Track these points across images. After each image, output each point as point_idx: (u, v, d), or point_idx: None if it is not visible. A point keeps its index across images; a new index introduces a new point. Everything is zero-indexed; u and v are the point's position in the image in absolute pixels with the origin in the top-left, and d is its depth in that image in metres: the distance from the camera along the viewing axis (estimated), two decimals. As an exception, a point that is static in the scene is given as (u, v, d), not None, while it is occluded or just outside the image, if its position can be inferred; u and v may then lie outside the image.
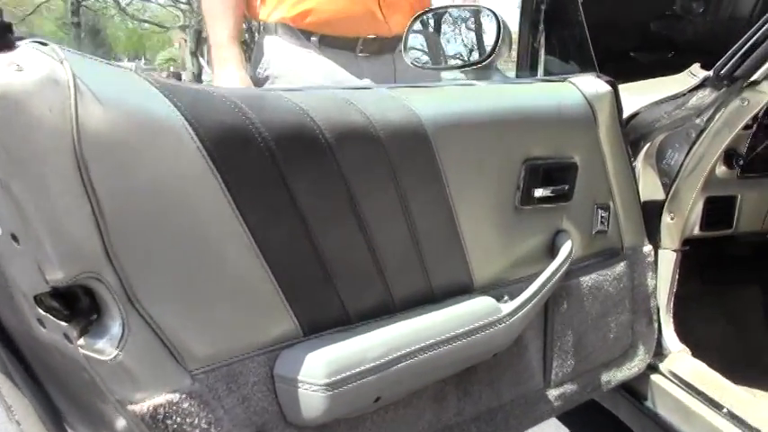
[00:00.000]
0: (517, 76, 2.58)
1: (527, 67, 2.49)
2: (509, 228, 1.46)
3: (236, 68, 2.15)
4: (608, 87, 1.58)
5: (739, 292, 2.37)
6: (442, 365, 1.31)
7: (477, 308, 1.36)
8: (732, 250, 2.22)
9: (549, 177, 1.49)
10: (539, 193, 1.47)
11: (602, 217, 1.66)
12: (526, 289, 1.45)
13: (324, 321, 1.20)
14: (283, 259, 1.12)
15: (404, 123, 1.24)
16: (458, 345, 1.30)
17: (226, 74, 2.15)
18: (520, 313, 1.41)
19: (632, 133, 1.85)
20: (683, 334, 1.97)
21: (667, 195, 1.87)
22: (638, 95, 1.89)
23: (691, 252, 1.94)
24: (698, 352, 2.00)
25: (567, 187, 1.53)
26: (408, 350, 1.22)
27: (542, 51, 2.44)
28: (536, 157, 1.46)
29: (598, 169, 1.62)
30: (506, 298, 1.44)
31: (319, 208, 1.14)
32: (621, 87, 1.94)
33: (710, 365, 2.06)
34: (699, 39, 2.38)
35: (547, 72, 2.36)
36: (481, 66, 1.48)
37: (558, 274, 1.50)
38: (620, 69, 2.42)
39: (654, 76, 1.97)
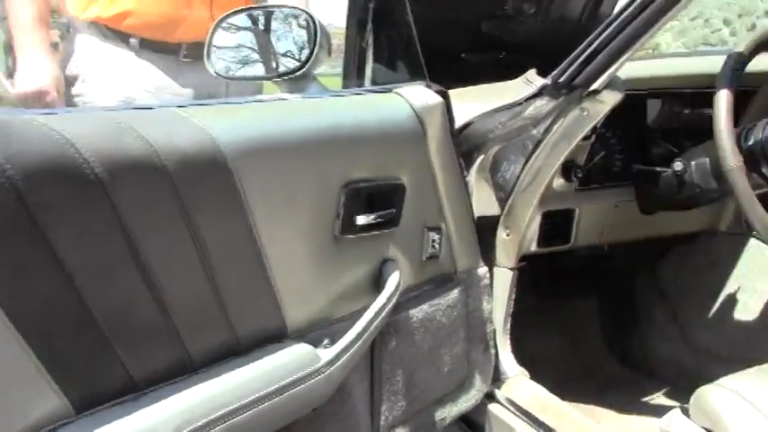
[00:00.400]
0: (344, 85, 2.44)
1: (354, 74, 2.38)
2: (328, 261, 1.35)
3: (44, 55, 1.94)
4: (438, 98, 1.51)
5: (575, 305, 2.40)
6: (250, 430, 1.19)
7: (290, 358, 1.24)
8: (568, 262, 2.24)
9: (374, 202, 1.39)
10: (362, 220, 1.37)
11: (433, 241, 1.59)
12: (350, 329, 1.36)
13: (102, 393, 1.04)
14: (43, 326, 0.95)
15: (196, 149, 1.09)
16: (269, 405, 1.18)
17: (30, 62, 1.92)
18: (342, 359, 1.31)
19: (465, 145, 1.79)
20: (520, 352, 1.95)
21: (503, 210, 1.82)
22: (472, 103, 1.83)
23: (526, 266, 1.92)
24: (536, 368, 1.99)
25: (393, 211, 1.44)
26: (208, 419, 1.09)
27: (371, 56, 2.35)
28: (358, 179, 1.35)
29: (428, 189, 1.55)
30: (326, 342, 1.34)
31: (89, 260, 0.98)
32: (453, 94, 1.88)
33: (549, 382, 2.05)
34: (529, 40, 2.38)
35: (374, 80, 2.27)
36: (296, 75, 1.36)
37: (386, 310, 1.41)
38: (451, 70, 2.38)
39: (485, 78, 1.93)
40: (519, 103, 1.71)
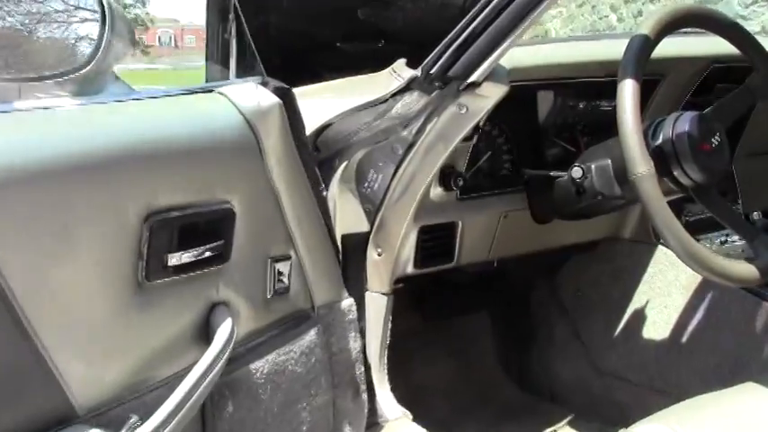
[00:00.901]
0: (207, 80, 2.22)
1: (218, 70, 2.12)
2: (131, 315, 1.05)
3: None
4: (274, 99, 1.22)
5: (465, 324, 2.17)
6: None
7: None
8: (455, 276, 2.00)
9: (192, 234, 1.10)
10: (175, 259, 1.07)
11: (279, 273, 1.30)
12: (169, 397, 1.06)
13: None
14: None
15: None
16: None
17: None
18: (153, 442, 1.02)
19: (324, 150, 1.52)
20: (404, 385, 1.71)
21: (372, 227, 1.57)
22: (333, 100, 1.57)
23: (406, 284, 1.68)
24: (423, 402, 1.75)
25: (221, 243, 1.15)
26: None
27: (234, 48, 2.08)
28: (167, 207, 1.06)
29: (269, 211, 1.26)
30: (135, 419, 1.04)
31: None
32: (311, 90, 1.61)
33: (439, 416, 1.82)
34: (410, 27, 2.14)
35: (241, 76, 2.01)
36: (78, 75, 1.05)
37: (216, 368, 1.12)
38: (327, 61, 2.10)
39: (364, 69, 1.66)
40: (385, 100, 1.45)
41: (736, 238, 1.92)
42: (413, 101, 1.44)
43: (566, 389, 2.03)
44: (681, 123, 1.35)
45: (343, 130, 1.52)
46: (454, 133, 1.43)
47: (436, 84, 1.39)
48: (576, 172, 1.48)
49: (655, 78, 1.71)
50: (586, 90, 1.74)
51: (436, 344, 2.09)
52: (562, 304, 2.05)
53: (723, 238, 1.90)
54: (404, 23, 2.31)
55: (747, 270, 1.29)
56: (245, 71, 1.92)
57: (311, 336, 1.36)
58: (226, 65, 2.18)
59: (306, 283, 1.37)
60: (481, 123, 1.49)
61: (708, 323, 1.79)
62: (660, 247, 1.87)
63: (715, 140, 1.37)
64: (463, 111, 1.40)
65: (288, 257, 1.31)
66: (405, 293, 1.70)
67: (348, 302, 1.48)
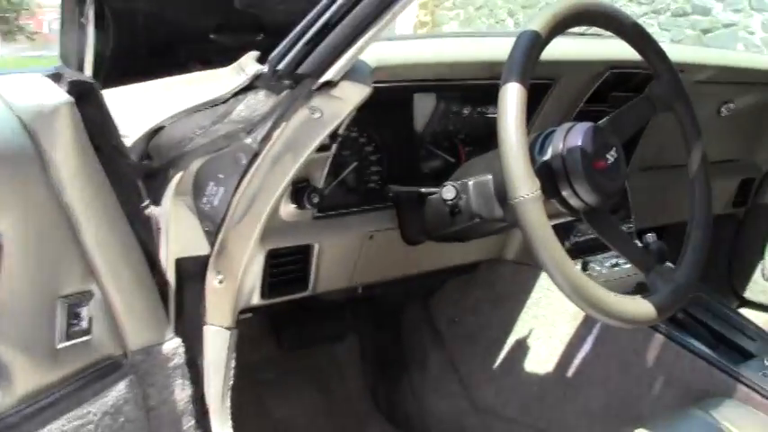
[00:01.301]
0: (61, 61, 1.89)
1: (74, 59, 1.82)
2: None
3: None
4: (65, 97, 0.96)
5: (329, 352, 1.95)
6: None
7: None
8: (314, 301, 1.78)
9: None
10: None
11: (76, 314, 1.04)
12: None
13: None
14: None
15: None
16: None
17: None
18: None
19: (156, 158, 1.27)
20: (260, 422, 1.48)
21: (212, 249, 1.33)
22: (169, 99, 1.31)
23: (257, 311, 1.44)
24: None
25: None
26: None
27: (92, 35, 1.78)
28: None
29: (59, 238, 0.99)
30: None
31: None
32: (145, 86, 1.35)
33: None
34: (291, 20, 1.89)
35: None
36: None
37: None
38: (199, 54, 1.85)
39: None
40: (225, 100, 1.21)
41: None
42: (258, 102, 1.20)
43: (439, 425, 1.83)
44: (573, 136, 1.17)
45: (177, 135, 1.28)
46: (306, 142, 1.20)
47: (285, 82, 1.16)
48: (448, 192, 1.27)
49: (545, 83, 1.52)
50: (470, 94, 1.54)
51: (296, 375, 1.86)
52: (437, 331, 1.85)
53: (614, 261, 1.74)
54: (286, 16, 2.04)
55: (643, 309, 1.14)
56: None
57: (120, 390, 1.11)
58: (81, 55, 1.88)
59: (115, 324, 1.11)
60: (341, 130, 1.26)
61: (596, 356, 1.62)
62: (546, 270, 1.69)
63: (610, 156, 1.19)
64: (317, 115, 1.17)
65: (88, 295, 1.05)
66: (261, 317, 1.49)
67: (173, 344, 1.23)
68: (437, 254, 1.59)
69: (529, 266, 1.71)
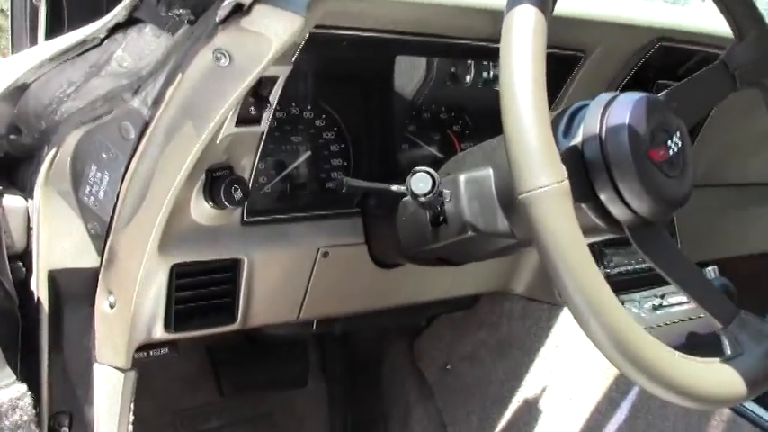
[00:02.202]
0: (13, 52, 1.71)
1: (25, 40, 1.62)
2: None
3: None
4: None
5: (285, 401, 1.52)
6: None
7: None
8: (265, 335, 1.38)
9: None
10: None
11: None
12: None
13: None
14: None
15: None
16: None
17: None
18: None
19: (26, 132, 0.91)
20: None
21: (101, 259, 0.94)
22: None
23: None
24: None
25: None
26: None
27: (44, 15, 1.55)
28: None
29: None
30: None
31: None
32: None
33: None
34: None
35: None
36: None
37: None
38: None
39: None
40: (98, 42, 0.82)
41: (674, 299, 1.34)
42: (145, 44, 0.82)
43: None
44: (617, 110, 0.77)
45: (45, 97, 0.89)
46: (213, 103, 0.81)
47: (178, 11, 0.76)
48: (420, 182, 0.86)
49: (572, 55, 1.11)
50: (472, 56, 1.13)
51: (242, 426, 1.44)
52: (424, 381, 1.43)
53: (657, 300, 1.32)
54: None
55: (727, 380, 0.72)
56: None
57: None
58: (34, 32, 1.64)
59: None
60: (274, 94, 0.86)
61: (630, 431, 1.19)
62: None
63: (673, 144, 0.78)
64: (224, 62, 0.78)
65: None
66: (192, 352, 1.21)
67: (14, 392, 0.84)
68: (421, 282, 1.18)
69: (545, 304, 1.29)
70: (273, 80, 0.85)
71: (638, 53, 1.17)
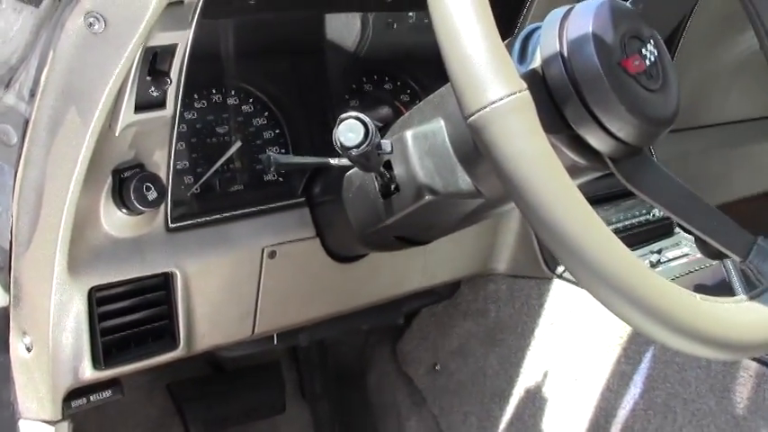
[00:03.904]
0: None
1: None
2: None
3: None
4: None
5: (269, 425, 1.36)
6: None
7: None
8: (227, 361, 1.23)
9: None
10: None
11: None
12: None
13: None
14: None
15: None
16: None
17: None
18: None
19: None
20: None
21: (9, 296, 0.80)
22: None
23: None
24: None
25: None
26: None
27: None
28: None
29: None
30: None
31: None
32: None
33: None
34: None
35: None
36: None
37: None
38: None
39: None
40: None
41: (672, 253, 1.21)
42: (6, 24, 0.67)
43: None
44: (577, 20, 0.64)
45: None
46: (95, 82, 0.66)
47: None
48: (351, 135, 0.71)
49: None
50: (410, 4, 1.00)
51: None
52: (414, 387, 1.28)
53: (654, 257, 1.18)
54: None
55: (758, 323, 0.58)
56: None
57: None
58: None
59: None
60: (174, 65, 0.72)
61: (654, 408, 1.05)
62: (561, 281, 1.12)
63: (648, 53, 0.63)
64: (98, 26, 0.63)
65: None
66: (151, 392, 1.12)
67: None
68: (389, 274, 1.03)
69: (533, 280, 1.14)
70: (171, 50, 0.71)
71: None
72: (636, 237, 1.22)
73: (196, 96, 0.90)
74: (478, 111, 0.49)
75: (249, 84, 0.94)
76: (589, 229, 0.50)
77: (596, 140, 0.63)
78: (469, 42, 0.49)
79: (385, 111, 1.05)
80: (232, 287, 0.89)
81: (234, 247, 0.88)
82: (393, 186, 0.76)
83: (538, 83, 0.63)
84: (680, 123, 1.36)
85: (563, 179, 0.50)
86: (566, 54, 0.62)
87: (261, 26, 0.89)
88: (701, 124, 1.40)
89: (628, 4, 0.70)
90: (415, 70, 1.05)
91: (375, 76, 1.04)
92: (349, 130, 0.69)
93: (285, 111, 0.96)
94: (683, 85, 1.27)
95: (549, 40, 0.64)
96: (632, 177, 0.67)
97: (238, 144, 0.93)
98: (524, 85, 0.50)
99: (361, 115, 0.69)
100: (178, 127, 0.80)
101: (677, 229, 1.29)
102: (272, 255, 0.90)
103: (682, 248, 1.23)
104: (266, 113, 0.95)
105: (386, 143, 0.70)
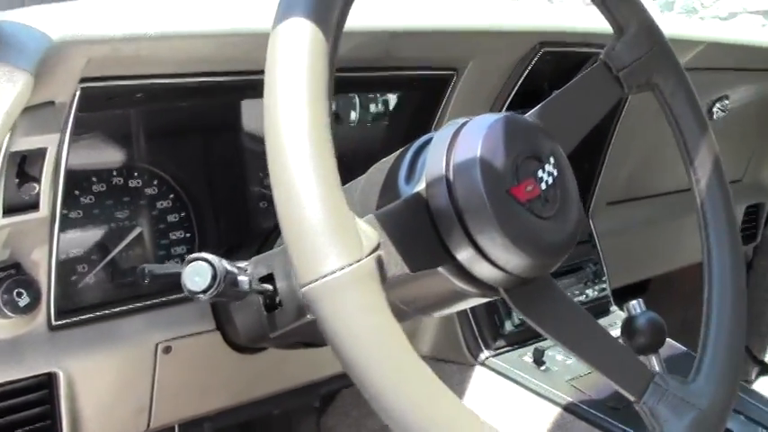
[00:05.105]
0: None
1: None
2: None
3: None
4: None
5: None
6: None
7: None
8: None
9: None
10: None
11: None
12: None
13: None
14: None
15: None
16: None
17: None
18: None
19: None
20: None
21: None
22: None
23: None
24: None
25: None
26: None
27: None
28: None
29: None
30: None
31: None
32: None
33: None
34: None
35: None
36: None
37: None
38: None
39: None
40: None
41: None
42: None
43: None
44: (466, 141, 0.59)
45: None
46: None
47: None
48: (197, 279, 0.67)
49: (441, 75, 0.94)
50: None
51: None
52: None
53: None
54: None
55: None
56: None
57: None
58: None
59: None
60: (46, 170, 0.67)
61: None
62: (484, 369, 1.08)
63: (545, 174, 0.60)
64: None
65: None
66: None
67: None
68: (300, 361, 0.98)
69: (455, 365, 1.10)
70: (41, 153, 0.66)
71: (520, 63, 1.00)
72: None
73: (94, 179, 0.85)
74: (309, 283, 0.44)
75: (153, 165, 0.89)
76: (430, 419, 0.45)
77: (483, 272, 0.59)
78: (303, 201, 0.45)
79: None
80: (123, 385, 0.84)
81: (124, 345, 0.83)
82: (277, 300, 0.71)
83: (421, 208, 0.58)
84: (621, 195, 1.33)
85: (400, 361, 0.45)
86: (451, 178, 0.58)
87: (169, 109, 0.85)
88: (642, 195, 1.37)
89: (528, 116, 0.66)
90: (350, 152, 1.01)
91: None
92: (195, 274, 0.64)
93: (192, 193, 0.91)
94: (625, 161, 1.25)
95: (435, 160, 0.59)
96: (527, 307, 0.63)
97: (138, 230, 0.88)
98: (364, 252, 0.45)
99: (210, 256, 0.64)
100: (70, 213, 0.76)
101: (613, 308, 1.25)
102: (168, 350, 0.85)
103: (616, 329, 1.19)
104: (171, 196, 0.91)
105: (243, 281, 0.66)
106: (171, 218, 0.90)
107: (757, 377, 1.72)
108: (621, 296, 1.57)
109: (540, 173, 0.60)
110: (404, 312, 0.68)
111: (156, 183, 0.89)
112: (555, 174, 0.61)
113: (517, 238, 0.57)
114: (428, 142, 0.63)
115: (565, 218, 0.61)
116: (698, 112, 0.76)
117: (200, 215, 0.91)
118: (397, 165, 0.63)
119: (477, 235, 0.57)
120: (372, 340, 0.44)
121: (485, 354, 1.07)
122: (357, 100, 0.97)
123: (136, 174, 0.88)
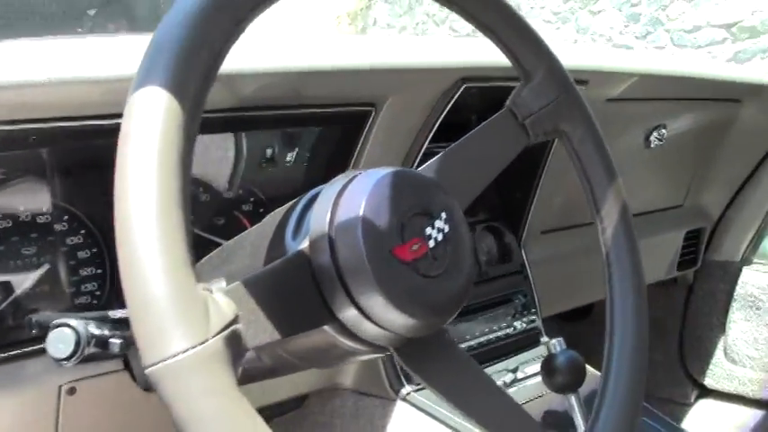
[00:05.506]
0: None
1: None
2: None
3: None
4: None
5: None
6: None
7: None
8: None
9: None
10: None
11: None
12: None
13: None
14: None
15: None
16: None
17: None
18: None
19: None
20: None
21: None
22: None
23: None
24: None
25: None
26: None
27: None
28: None
29: None
30: None
31: None
32: None
33: None
34: None
35: None
36: None
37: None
38: None
39: None
40: None
41: (535, 367, 1.17)
42: None
43: None
44: (351, 197, 0.58)
45: None
46: None
47: None
48: (61, 347, 0.66)
49: (358, 111, 0.93)
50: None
51: None
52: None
53: (510, 377, 1.14)
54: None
55: None
56: None
57: None
58: None
59: None
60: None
61: None
62: (405, 404, 1.07)
63: (436, 231, 0.59)
64: None
65: None
66: None
67: None
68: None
69: (377, 399, 1.09)
70: None
71: (442, 98, 1.00)
72: (499, 350, 1.18)
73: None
74: (152, 365, 0.43)
75: (63, 200, 0.87)
76: None
77: (368, 332, 0.58)
78: (147, 277, 0.44)
79: (222, 221, 0.99)
80: (25, 427, 0.82)
81: (26, 387, 0.81)
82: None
83: (304, 265, 0.57)
84: (555, 224, 1.33)
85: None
86: (333, 236, 0.57)
87: (68, 149, 0.83)
88: (578, 223, 1.37)
89: (424, 169, 0.66)
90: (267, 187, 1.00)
91: (213, 185, 0.99)
92: (59, 341, 0.63)
93: (104, 228, 0.90)
94: (557, 193, 1.25)
95: (319, 217, 0.58)
96: (418, 366, 0.62)
97: (46, 267, 0.86)
98: (210, 332, 0.44)
99: (74, 322, 0.63)
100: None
101: (544, 338, 1.25)
102: (72, 391, 0.83)
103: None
104: (83, 231, 0.89)
105: (114, 343, 0.65)
106: (82, 254, 0.88)
107: (696, 400, 1.73)
108: (566, 318, 1.58)
109: (428, 230, 0.59)
110: (296, 366, 0.67)
111: (66, 218, 0.88)
112: (446, 229, 0.60)
113: (398, 299, 0.56)
114: (317, 196, 0.62)
115: (454, 275, 0.60)
116: (607, 161, 0.76)
117: (112, 251, 0.90)
118: (286, 218, 0.62)
119: (358, 296, 0.56)
120: (217, 424, 0.43)
121: (406, 389, 1.07)
122: (276, 139, 0.96)
123: (45, 209, 0.86)
